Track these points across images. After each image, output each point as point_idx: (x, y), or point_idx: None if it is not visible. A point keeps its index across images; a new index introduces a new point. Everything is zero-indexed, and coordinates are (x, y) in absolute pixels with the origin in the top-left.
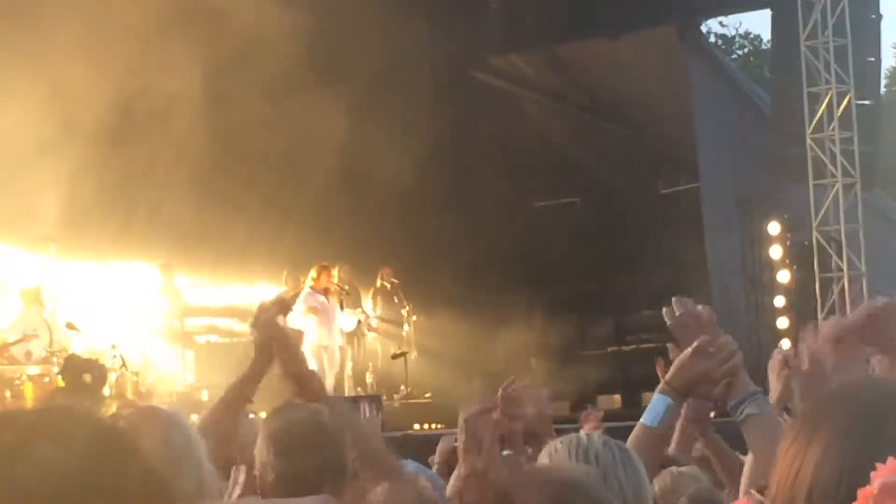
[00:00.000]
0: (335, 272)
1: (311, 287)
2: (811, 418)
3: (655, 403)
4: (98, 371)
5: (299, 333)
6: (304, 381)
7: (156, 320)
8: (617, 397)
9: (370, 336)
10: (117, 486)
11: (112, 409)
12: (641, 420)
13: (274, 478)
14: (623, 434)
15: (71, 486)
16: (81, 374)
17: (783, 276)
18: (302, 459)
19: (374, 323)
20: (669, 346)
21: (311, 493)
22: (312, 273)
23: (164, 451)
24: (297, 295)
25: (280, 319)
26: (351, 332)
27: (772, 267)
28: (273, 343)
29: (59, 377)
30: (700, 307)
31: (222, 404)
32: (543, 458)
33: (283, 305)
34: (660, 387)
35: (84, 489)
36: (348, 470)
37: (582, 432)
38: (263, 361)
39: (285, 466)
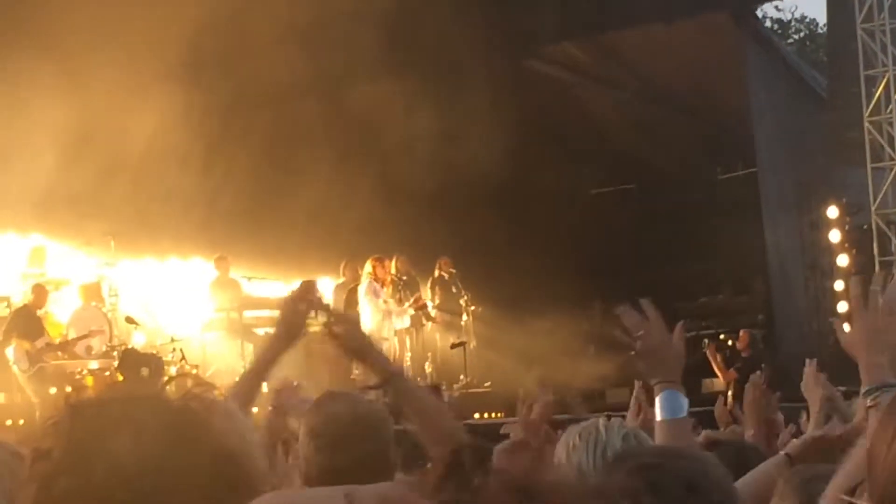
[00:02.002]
0: (393, 263)
1: (370, 279)
2: None
3: (672, 397)
4: (155, 364)
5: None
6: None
7: (214, 313)
8: None
9: (429, 326)
10: (191, 469)
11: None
12: (663, 417)
13: (317, 472)
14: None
15: (146, 473)
16: (139, 367)
17: (842, 260)
18: (342, 453)
19: (433, 313)
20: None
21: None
22: (368, 266)
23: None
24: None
25: (305, 304)
26: (409, 324)
27: (831, 251)
28: (300, 321)
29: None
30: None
31: (245, 385)
32: (560, 450)
33: (309, 289)
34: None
35: (158, 475)
36: (392, 461)
37: (601, 421)
38: (283, 340)
39: (327, 460)
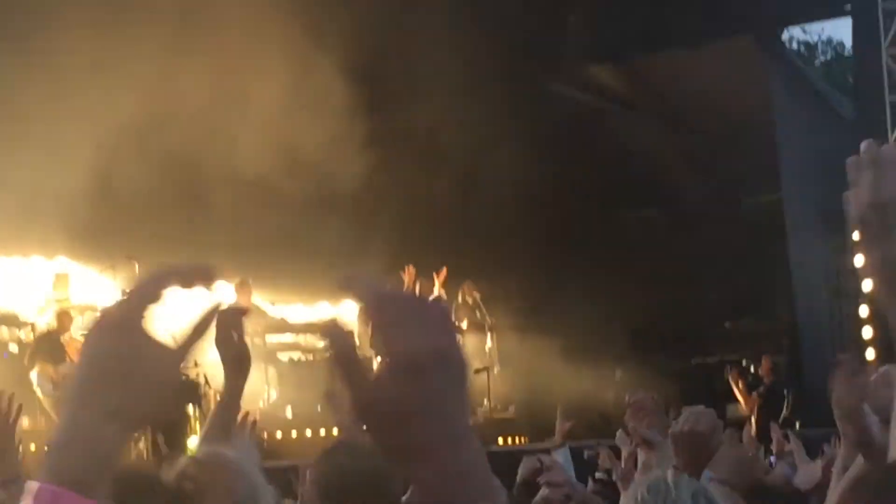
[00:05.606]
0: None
1: None
2: None
3: None
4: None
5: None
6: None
7: None
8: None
9: None
10: None
11: (179, 465)
12: None
13: None
14: None
15: None
16: None
17: (867, 285)
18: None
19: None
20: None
21: None
22: None
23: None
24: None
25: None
26: None
27: (856, 276)
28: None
29: None
30: None
31: (217, 421)
32: (630, 502)
33: (237, 314)
34: None
35: None
36: None
37: (669, 475)
38: (233, 377)
39: None
